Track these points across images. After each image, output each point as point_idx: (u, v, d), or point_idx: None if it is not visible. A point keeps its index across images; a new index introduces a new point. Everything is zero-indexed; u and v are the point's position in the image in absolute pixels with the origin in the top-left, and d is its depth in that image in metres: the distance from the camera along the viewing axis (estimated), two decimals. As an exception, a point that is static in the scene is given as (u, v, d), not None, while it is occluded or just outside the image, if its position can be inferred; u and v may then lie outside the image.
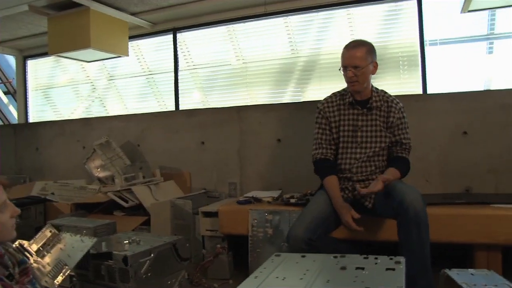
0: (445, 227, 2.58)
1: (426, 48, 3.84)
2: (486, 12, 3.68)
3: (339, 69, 2.65)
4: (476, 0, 3.26)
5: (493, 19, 3.75)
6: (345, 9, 4.15)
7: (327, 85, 4.16)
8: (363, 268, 1.44)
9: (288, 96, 4.49)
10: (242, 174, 4.12)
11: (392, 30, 4.03)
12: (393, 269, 1.40)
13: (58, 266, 2.18)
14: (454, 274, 1.50)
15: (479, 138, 3.33)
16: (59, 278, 2.13)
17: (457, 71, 3.87)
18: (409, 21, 3.92)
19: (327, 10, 4.22)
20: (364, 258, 1.56)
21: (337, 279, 1.38)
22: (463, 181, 3.36)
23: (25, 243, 2.24)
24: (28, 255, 2.17)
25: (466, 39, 3.87)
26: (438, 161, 3.43)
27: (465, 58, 3.87)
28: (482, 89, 3.78)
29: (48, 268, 2.20)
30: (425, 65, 3.83)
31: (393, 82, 3.98)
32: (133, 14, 4.53)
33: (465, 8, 3.41)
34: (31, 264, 2.11)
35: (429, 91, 3.81)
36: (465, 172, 3.36)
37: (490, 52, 3.83)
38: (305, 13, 4.30)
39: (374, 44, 2.68)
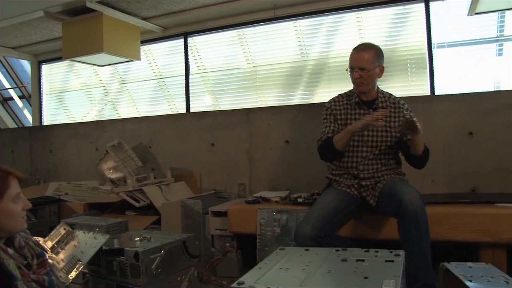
0: (450, 225, 2.62)
1: (434, 51, 3.85)
2: (496, 14, 3.68)
3: (346, 69, 2.71)
4: (483, 3, 3.28)
5: (502, 21, 3.74)
6: (354, 13, 4.18)
7: (335, 87, 4.19)
8: (363, 260, 1.49)
9: (297, 98, 4.52)
10: (251, 175, 4.17)
11: (400, 33, 4.05)
12: (392, 261, 1.44)
13: (72, 262, 2.25)
14: (453, 267, 1.54)
15: (484, 138, 3.36)
16: (73, 273, 2.20)
17: (466, 74, 3.87)
18: (417, 24, 3.95)
19: (336, 14, 4.25)
20: (365, 251, 1.61)
21: (337, 270, 1.43)
22: (469, 181, 3.38)
23: (40, 240, 2.31)
24: (43, 251, 2.24)
25: (474, 41, 3.86)
26: (444, 162, 3.46)
27: (474, 60, 3.88)
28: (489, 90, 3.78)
29: (62, 264, 2.26)
30: (433, 67, 3.84)
31: (401, 85, 4.00)
32: (144, 19, 4.60)
33: (472, 11, 3.42)
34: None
35: (436, 94, 3.82)
36: (471, 172, 3.38)
37: (500, 54, 3.83)
38: (314, 17, 4.34)
39: (382, 47, 2.73)
